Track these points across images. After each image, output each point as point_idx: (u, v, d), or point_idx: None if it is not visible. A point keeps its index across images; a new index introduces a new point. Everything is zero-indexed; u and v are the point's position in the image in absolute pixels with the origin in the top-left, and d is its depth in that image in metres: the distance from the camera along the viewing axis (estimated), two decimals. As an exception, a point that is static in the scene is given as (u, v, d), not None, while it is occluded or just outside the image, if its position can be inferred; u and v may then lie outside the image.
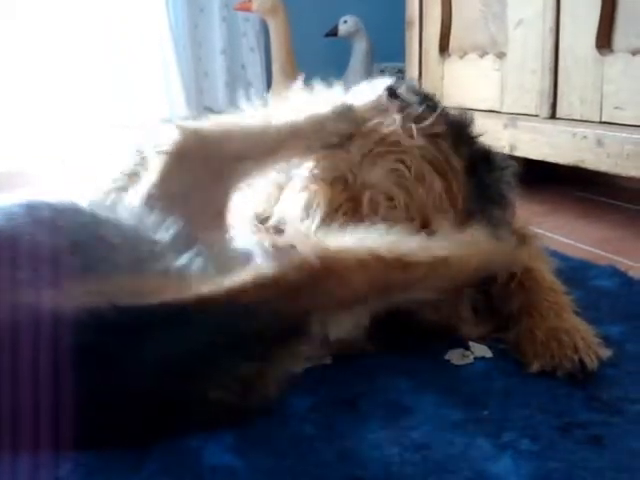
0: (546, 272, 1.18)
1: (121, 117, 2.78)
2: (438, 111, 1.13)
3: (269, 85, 3.02)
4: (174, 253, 0.81)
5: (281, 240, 0.96)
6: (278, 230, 1.09)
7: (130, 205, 0.91)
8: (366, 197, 1.03)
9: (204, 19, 3.02)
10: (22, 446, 0.71)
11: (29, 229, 0.79)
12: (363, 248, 0.84)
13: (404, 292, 0.89)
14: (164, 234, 0.83)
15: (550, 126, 1.85)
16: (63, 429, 0.68)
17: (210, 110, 1.73)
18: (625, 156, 1.59)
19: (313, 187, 1.06)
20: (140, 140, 1.57)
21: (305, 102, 1.11)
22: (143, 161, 1.15)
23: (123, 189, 1.47)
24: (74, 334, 0.68)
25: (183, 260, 0.80)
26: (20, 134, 2.65)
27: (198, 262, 0.80)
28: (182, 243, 0.83)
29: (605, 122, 1.70)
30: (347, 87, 1.18)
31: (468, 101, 2.11)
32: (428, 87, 2.37)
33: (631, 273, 1.36)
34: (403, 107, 1.10)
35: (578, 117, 1.79)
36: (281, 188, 1.16)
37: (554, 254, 1.37)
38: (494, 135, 1.26)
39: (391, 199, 1.03)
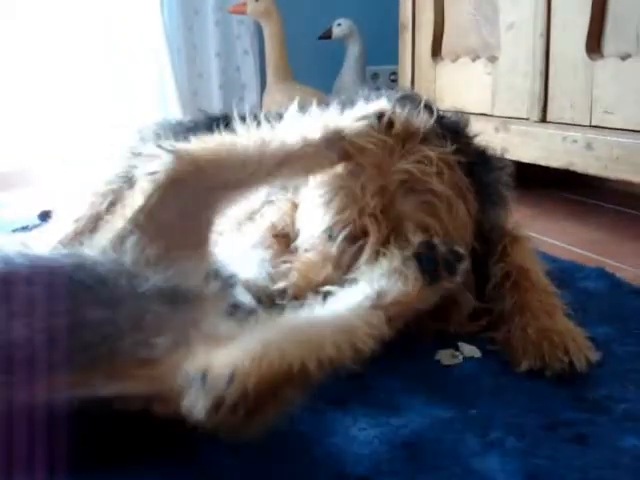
0: (540, 274, 1.20)
1: (117, 118, 2.79)
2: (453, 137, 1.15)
3: (263, 87, 3.03)
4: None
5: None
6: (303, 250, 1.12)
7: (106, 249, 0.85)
8: (406, 228, 1.05)
9: (198, 22, 3.03)
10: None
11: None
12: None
13: None
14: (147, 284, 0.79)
15: (541, 129, 1.88)
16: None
17: (204, 112, 1.74)
18: (614, 159, 1.61)
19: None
20: (133, 147, 1.59)
21: (299, 124, 1.06)
22: (130, 181, 1.12)
23: (117, 192, 1.49)
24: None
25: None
26: (20, 134, 2.67)
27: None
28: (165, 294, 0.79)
29: (595, 126, 1.72)
30: (343, 104, 1.17)
31: (460, 104, 2.12)
32: (421, 90, 2.39)
33: (619, 275, 1.38)
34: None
35: (568, 121, 1.81)
36: (295, 205, 1.19)
37: (543, 256, 1.39)
38: (486, 138, 1.28)
39: (427, 229, 1.05)
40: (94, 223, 1.45)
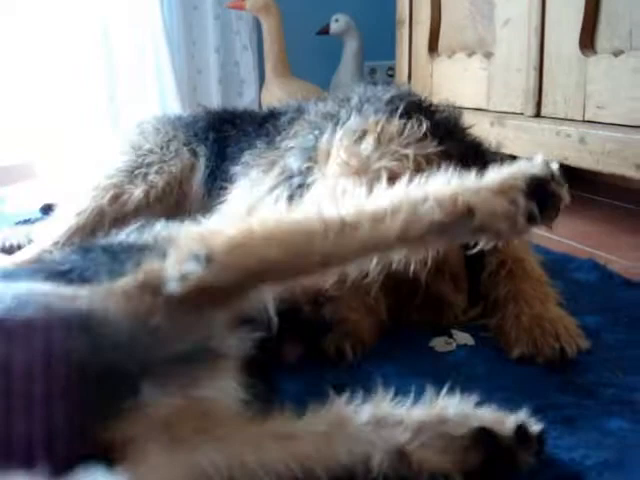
0: (534, 264, 1.23)
1: (116, 113, 2.82)
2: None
3: (261, 82, 3.06)
4: None
5: None
6: None
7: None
8: None
9: (197, 17, 3.06)
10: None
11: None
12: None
13: None
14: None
15: (535, 124, 1.91)
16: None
17: (204, 107, 1.77)
18: (606, 154, 1.64)
19: None
20: (134, 141, 1.61)
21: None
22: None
23: (118, 186, 1.52)
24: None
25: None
26: (21, 128, 2.69)
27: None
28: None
29: (588, 121, 1.75)
30: (340, 102, 1.21)
31: (456, 99, 2.12)
32: (417, 85, 2.42)
33: (610, 266, 1.42)
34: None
35: (562, 116, 1.84)
36: None
37: (537, 247, 1.42)
38: (481, 133, 1.31)
39: None
40: (96, 217, 1.49)
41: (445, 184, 0.75)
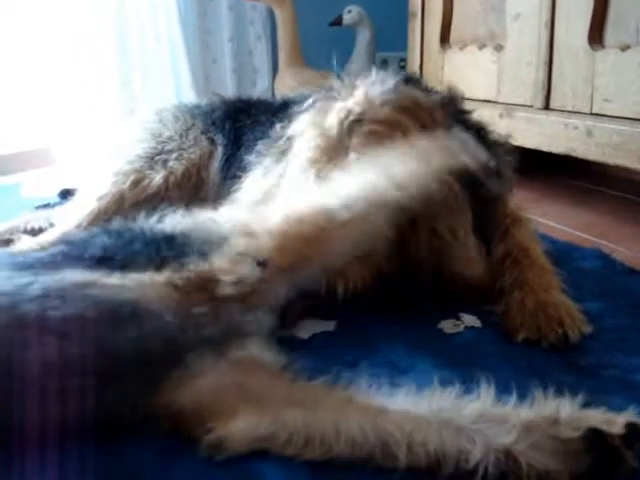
0: (540, 253, 1.28)
1: (133, 101, 2.86)
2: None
3: (275, 72, 3.10)
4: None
5: None
6: None
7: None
8: None
9: (212, 7, 3.10)
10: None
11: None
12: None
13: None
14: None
15: (544, 116, 1.95)
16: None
17: (220, 96, 1.81)
18: (613, 146, 1.68)
19: None
20: (154, 129, 1.66)
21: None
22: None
23: (138, 172, 1.56)
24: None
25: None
26: (39, 114, 2.73)
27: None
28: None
29: (595, 114, 1.79)
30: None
31: (467, 91, 2.15)
32: (429, 76, 2.46)
33: (614, 255, 1.46)
34: None
35: (570, 108, 1.88)
36: None
37: (543, 237, 1.45)
38: (491, 124, 1.36)
39: None
40: (117, 201, 1.54)
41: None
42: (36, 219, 1.74)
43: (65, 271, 0.82)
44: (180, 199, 1.52)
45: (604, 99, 1.76)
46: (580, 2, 1.81)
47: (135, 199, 1.53)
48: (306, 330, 1.10)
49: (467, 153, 0.88)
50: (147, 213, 1.03)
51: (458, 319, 1.14)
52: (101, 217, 1.51)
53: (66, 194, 1.99)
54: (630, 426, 0.73)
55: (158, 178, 1.54)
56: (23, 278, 0.77)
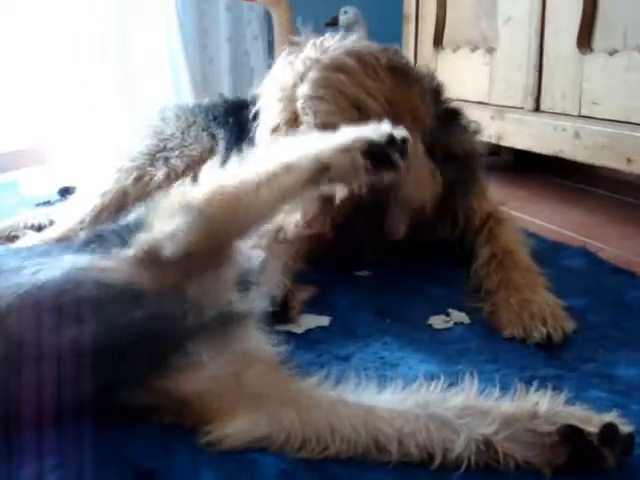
0: (524, 254, 1.33)
1: (131, 100, 2.89)
2: None
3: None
4: None
5: None
6: None
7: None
8: None
9: (210, 8, 3.12)
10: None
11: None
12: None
13: None
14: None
15: (534, 118, 1.99)
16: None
17: (220, 96, 1.85)
18: (600, 147, 1.72)
19: None
20: (156, 127, 1.70)
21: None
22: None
23: (141, 169, 1.60)
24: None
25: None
26: (35, 112, 2.73)
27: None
28: None
29: (583, 116, 1.83)
30: None
31: (459, 92, 2.22)
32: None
33: (600, 254, 1.50)
34: None
35: (559, 111, 1.92)
36: None
37: (532, 236, 1.51)
38: (482, 125, 1.41)
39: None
40: (120, 197, 1.57)
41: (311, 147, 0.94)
42: (36, 216, 1.76)
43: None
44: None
45: (592, 102, 1.80)
46: (569, 7, 1.86)
47: (137, 195, 1.56)
48: (301, 325, 1.14)
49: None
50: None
51: (447, 315, 1.18)
52: (104, 213, 1.54)
53: (65, 192, 2.02)
54: (607, 426, 0.76)
55: (160, 175, 1.58)
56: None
